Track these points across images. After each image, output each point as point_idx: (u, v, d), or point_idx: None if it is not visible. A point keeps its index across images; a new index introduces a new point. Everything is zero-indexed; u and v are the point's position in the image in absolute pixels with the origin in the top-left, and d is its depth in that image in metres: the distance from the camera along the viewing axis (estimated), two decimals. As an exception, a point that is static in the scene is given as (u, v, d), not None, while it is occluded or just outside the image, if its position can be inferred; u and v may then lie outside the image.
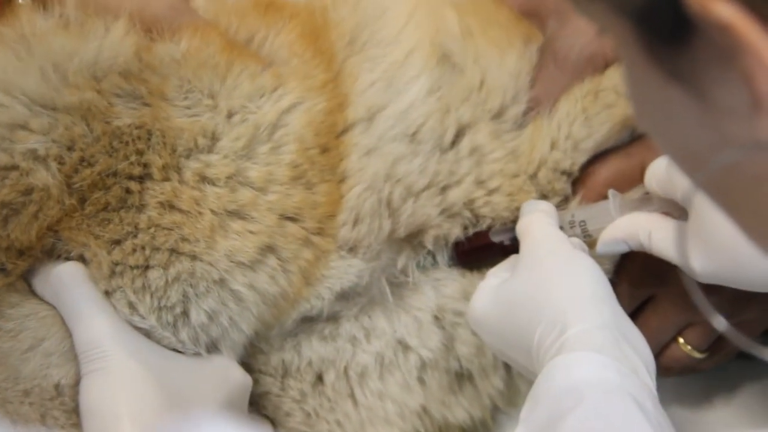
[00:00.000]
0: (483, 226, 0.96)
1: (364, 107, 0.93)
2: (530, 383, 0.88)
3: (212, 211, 0.86)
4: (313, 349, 0.95)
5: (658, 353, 0.95)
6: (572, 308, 0.84)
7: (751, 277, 0.84)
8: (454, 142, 0.95)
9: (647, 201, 0.91)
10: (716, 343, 0.97)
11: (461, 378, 0.98)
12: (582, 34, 0.95)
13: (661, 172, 0.89)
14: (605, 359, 0.80)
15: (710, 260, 0.84)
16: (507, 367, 0.98)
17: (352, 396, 0.96)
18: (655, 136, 0.60)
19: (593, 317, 0.83)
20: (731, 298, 0.90)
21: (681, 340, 0.97)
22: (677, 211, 0.89)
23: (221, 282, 0.87)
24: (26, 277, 0.86)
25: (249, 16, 0.92)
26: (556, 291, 0.85)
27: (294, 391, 0.95)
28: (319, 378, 0.95)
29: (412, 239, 0.95)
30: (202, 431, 0.50)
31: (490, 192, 0.95)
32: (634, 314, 0.95)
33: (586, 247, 0.92)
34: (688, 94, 0.54)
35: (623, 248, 0.91)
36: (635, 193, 0.95)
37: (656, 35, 0.54)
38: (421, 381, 0.97)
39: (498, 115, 0.96)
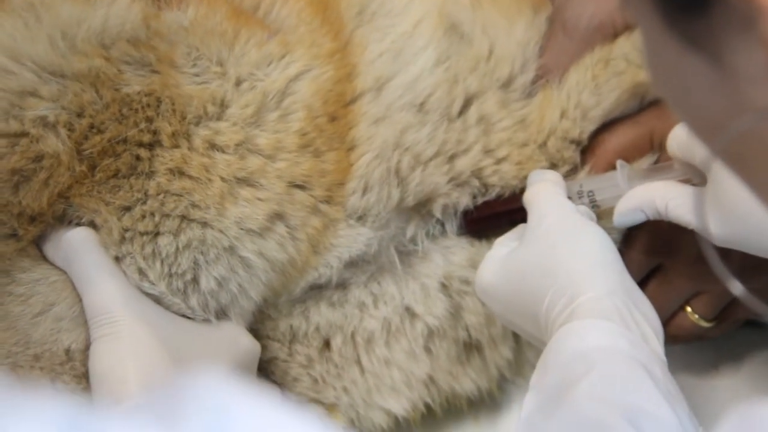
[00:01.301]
0: (492, 194, 0.97)
1: (373, 77, 0.94)
2: (538, 352, 0.89)
3: (222, 178, 0.87)
4: (322, 314, 0.96)
5: (665, 322, 0.95)
6: (581, 276, 0.84)
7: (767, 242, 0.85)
8: (462, 112, 0.96)
9: (657, 170, 0.92)
10: (723, 312, 0.98)
11: (470, 348, 0.99)
12: (591, 2, 0.96)
13: (683, 136, 0.89)
14: (615, 327, 0.81)
15: (727, 224, 0.83)
16: (516, 337, 0.99)
17: (359, 362, 0.97)
18: (672, 104, 0.61)
19: (603, 285, 0.83)
20: (739, 268, 0.90)
21: (688, 308, 0.98)
22: (696, 176, 0.89)
23: (231, 249, 0.88)
24: (38, 242, 0.87)
25: (255, -16, 0.93)
26: (564, 259, 0.86)
27: (301, 356, 0.96)
28: (326, 343, 0.97)
29: (421, 208, 0.96)
30: (202, 384, 0.50)
31: (499, 161, 0.96)
32: (642, 283, 0.95)
33: (594, 216, 0.93)
34: (705, 61, 0.55)
35: (640, 217, 0.90)
36: (644, 163, 0.96)
37: (673, 2, 0.54)
38: (428, 350, 0.98)
39: (506, 85, 0.97)
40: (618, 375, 0.78)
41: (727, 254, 0.86)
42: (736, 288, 0.61)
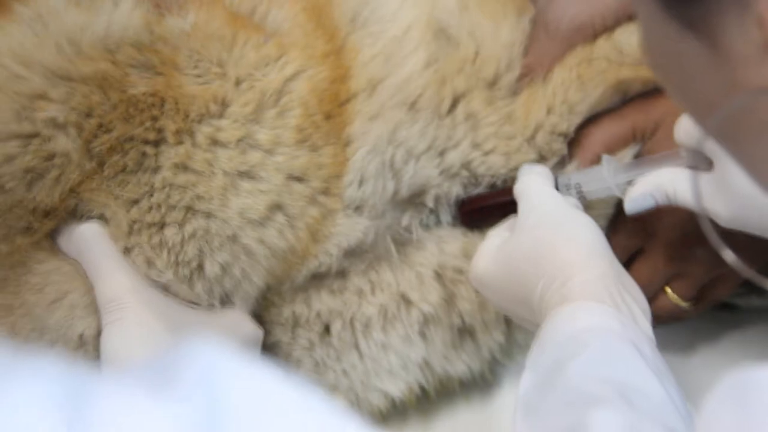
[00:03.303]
0: (482, 184, 1.00)
1: (366, 79, 0.97)
2: (528, 335, 0.91)
3: (224, 171, 0.90)
4: (322, 301, 0.99)
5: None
6: (573, 261, 0.87)
7: None
8: (450, 110, 0.99)
9: (664, 158, 0.94)
10: (700, 293, 1.01)
11: (463, 333, 1.02)
12: (571, 5, 0.99)
13: (690, 124, 0.91)
14: (606, 308, 0.84)
15: (733, 206, 0.86)
16: (507, 321, 1.02)
17: (357, 347, 1.00)
18: (670, 88, 0.63)
19: (593, 269, 0.86)
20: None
21: (668, 290, 1.01)
22: (702, 163, 0.90)
23: (233, 237, 0.91)
24: (52, 235, 0.91)
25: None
26: (555, 246, 0.88)
27: (303, 339, 0.99)
28: (327, 328, 0.99)
29: (415, 198, 0.99)
30: (195, 350, 0.51)
31: (486, 153, 0.99)
32: (625, 266, 0.96)
33: (581, 207, 0.96)
34: (701, 42, 0.57)
35: (650, 203, 0.92)
36: (627, 153, 0.99)
37: None
38: (423, 335, 1.00)
39: (492, 84, 1.00)
40: (610, 353, 0.80)
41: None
42: (729, 256, 0.64)
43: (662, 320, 1.00)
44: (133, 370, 0.54)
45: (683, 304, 1.01)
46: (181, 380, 0.49)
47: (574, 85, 1.00)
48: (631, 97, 1.01)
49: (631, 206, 0.94)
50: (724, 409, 0.60)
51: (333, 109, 0.95)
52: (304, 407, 0.50)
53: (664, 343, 0.86)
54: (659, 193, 0.92)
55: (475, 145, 0.99)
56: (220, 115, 0.91)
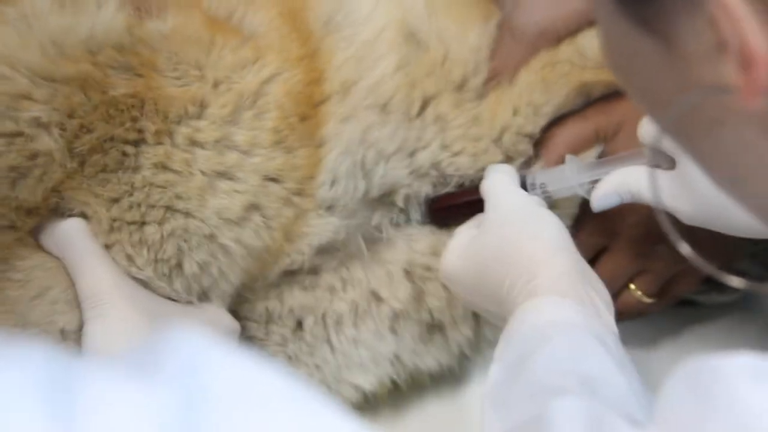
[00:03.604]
0: (451, 183, 1.02)
1: (339, 81, 0.99)
2: (496, 330, 0.93)
3: (202, 171, 0.92)
4: (295, 297, 1.00)
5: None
6: (538, 258, 0.89)
7: (731, 220, 0.88)
8: (420, 112, 1.01)
9: (628, 157, 0.96)
10: (663, 289, 1.04)
11: (432, 328, 1.04)
12: (535, 11, 1.02)
13: (652, 124, 0.92)
14: (571, 302, 0.86)
15: (695, 204, 0.88)
16: (475, 317, 1.04)
17: (329, 341, 1.01)
18: (629, 88, 0.64)
19: (557, 266, 0.88)
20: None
21: (632, 286, 1.03)
22: (665, 161, 0.92)
23: (211, 237, 0.92)
24: (34, 232, 0.92)
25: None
26: (521, 243, 0.90)
27: (276, 336, 1.01)
28: (299, 324, 1.01)
29: (385, 198, 1.02)
30: (178, 338, 0.51)
31: (455, 154, 1.01)
32: (590, 264, 0.97)
33: (545, 205, 0.97)
34: (656, 41, 0.59)
35: (616, 200, 0.95)
36: (591, 153, 1.02)
37: None
38: (393, 330, 1.02)
39: (460, 87, 1.02)
40: (574, 346, 0.82)
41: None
42: (686, 250, 0.65)
43: (626, 316, 1.03)
44: (117, 359, 0.54)
45: (646, 299, 1.04)
46: (164, 369, 0.49)
47: (539, 88, 1.02)
48: (593, 100, 1.04)
49: (597, 204, 0.96)
50: (680, 397, 0.62)
51: (307, 111, 0.97)
52: (286, 396, 0.50)
53: (627, 338, 0.88)
54: (624, 191, 0.94)
55: (444, 146, 1.02)
56: (199, 117, 0.93)
